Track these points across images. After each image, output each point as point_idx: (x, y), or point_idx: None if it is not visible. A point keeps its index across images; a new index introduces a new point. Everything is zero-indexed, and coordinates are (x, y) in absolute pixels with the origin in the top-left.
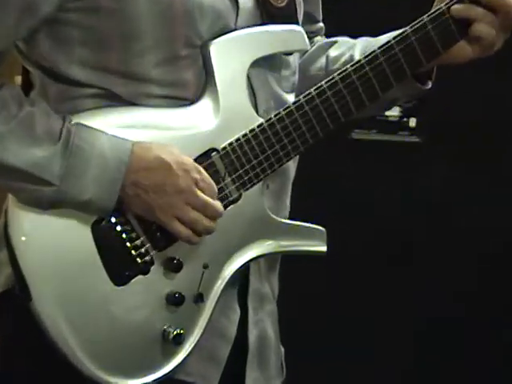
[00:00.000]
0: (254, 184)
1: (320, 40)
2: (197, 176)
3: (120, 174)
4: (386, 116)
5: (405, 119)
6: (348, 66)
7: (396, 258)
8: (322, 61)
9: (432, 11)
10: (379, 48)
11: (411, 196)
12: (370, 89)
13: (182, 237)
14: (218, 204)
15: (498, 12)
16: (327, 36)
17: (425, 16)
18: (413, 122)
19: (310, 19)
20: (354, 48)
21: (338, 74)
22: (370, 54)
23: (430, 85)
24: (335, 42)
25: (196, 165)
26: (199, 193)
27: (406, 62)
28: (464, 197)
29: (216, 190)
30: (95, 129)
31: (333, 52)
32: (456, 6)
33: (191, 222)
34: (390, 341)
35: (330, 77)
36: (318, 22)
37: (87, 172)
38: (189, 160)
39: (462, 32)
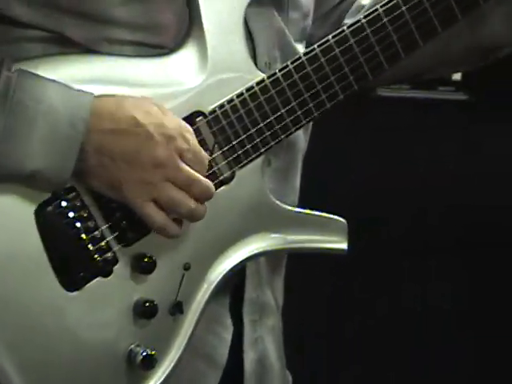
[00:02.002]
0: (252, 160)
1: None
2: (183, 145)
3: (77, 133)
4: None
5: None
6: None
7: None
8: None
9: None
10: None
11: (461, 171)
12: (432, 20)
13: (156, 226)
14: (208, 181)
15: None
16: None
17: None
18: (458, 75)
19: None
20: None
21: (348, 27)
22: None
23: None
24: None
25: (182, 128)
26: (184, 166)
27: None
28: None
29: (206, 163)
30: (44, 78)
31: None
32: None
33: (172, 205)
34: None
35: (356, 19)
36: None
37: (32, 133)
38: (172, 121)
39: None
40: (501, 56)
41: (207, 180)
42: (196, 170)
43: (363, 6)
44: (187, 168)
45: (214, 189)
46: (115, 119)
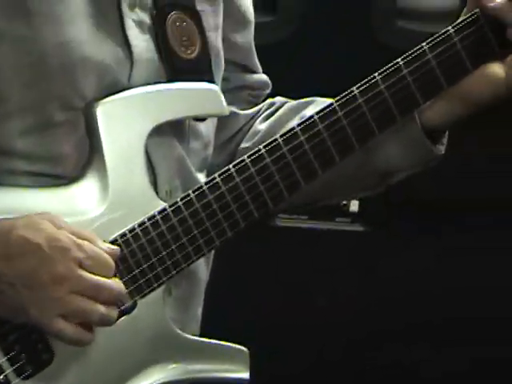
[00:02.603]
0: (154, 289)
1: (281, 100)
2: (79, 254)
3: None
4: None
5: (344, 202)
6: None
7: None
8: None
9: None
10: (357, 88)
11: (359, 303)
12: (330, 150)
13: (69, 339)
14: (116, 282)
15: None
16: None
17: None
18: (354, 206)
19: (242, 69)
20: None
21: (249, 156)
22: (346, 95)
23: (442, 150)
24: (312, 102)
25: (77, 236)
26: (86, 275)
27: (396, 102)
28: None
29: (112, 264)
30: None
31: (311, 112)
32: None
33: (81, 315)
34: None
35: (257, 148)
36: (256, 72)
37: None
38: (65, 233)
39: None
40: (395, 181)
41: (115, 281)
42: (101, 274)
43: (259, 131)
44: (90, 275)
45: (123, 288)
46: (7, 243)
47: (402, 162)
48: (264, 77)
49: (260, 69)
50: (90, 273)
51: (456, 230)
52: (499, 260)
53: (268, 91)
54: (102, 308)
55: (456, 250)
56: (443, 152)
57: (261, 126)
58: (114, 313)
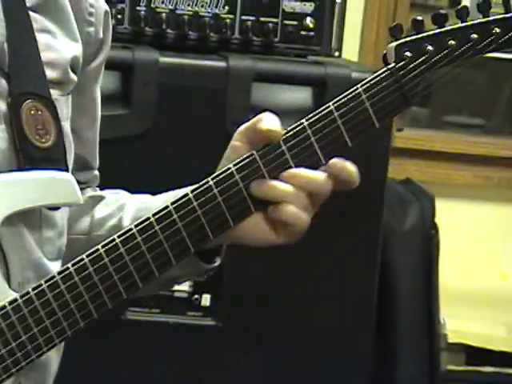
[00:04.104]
0: (3, 381)
1: (89, 192)
2: None
3: None
4: (172, 291)
5: (196, 296)
6: (116, 236)
7: None
8: (86, 221)
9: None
10: (154, 215)
11: None
12: (143, 266)
13: None
14: None
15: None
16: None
17: (211, 180)
18: (206, 300)
19: (83, 165)
20: (124, 209)
21: (103, 246)
22: (143, 222)
23: (218, 261)
24: (102, 198)
25: None
26: None
27: (189, 234)
28: None
29: None
30: None
31: (99, 212)
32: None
33: None
34: None
35: (94, 248)
36: (93, 169)
37: None
38: None
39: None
40: (179, 283)
41: None
42: None
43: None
44: None
45: None
46: None
47: (183, 275)
48: (97, 172)
49: (97, 163)
50: None
51: None
52: None
53: (96, 185)
54: None
55: None
56: (219, 262)
57: (98, 214)
58: None
